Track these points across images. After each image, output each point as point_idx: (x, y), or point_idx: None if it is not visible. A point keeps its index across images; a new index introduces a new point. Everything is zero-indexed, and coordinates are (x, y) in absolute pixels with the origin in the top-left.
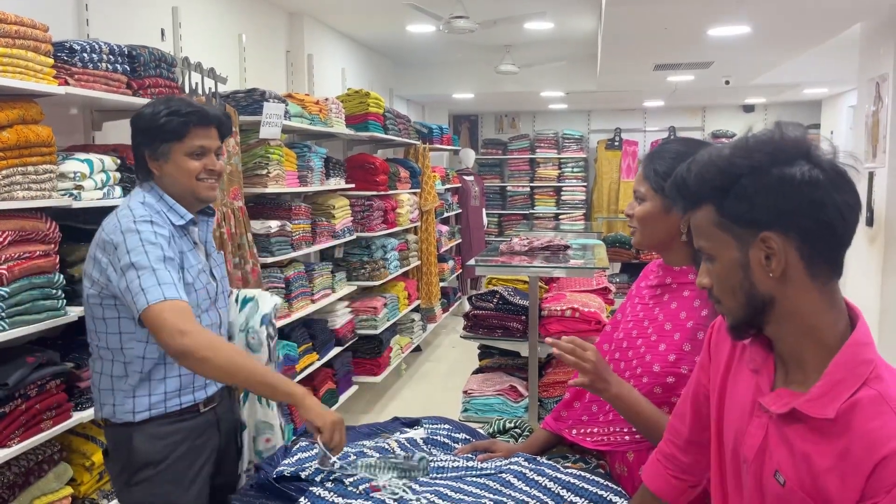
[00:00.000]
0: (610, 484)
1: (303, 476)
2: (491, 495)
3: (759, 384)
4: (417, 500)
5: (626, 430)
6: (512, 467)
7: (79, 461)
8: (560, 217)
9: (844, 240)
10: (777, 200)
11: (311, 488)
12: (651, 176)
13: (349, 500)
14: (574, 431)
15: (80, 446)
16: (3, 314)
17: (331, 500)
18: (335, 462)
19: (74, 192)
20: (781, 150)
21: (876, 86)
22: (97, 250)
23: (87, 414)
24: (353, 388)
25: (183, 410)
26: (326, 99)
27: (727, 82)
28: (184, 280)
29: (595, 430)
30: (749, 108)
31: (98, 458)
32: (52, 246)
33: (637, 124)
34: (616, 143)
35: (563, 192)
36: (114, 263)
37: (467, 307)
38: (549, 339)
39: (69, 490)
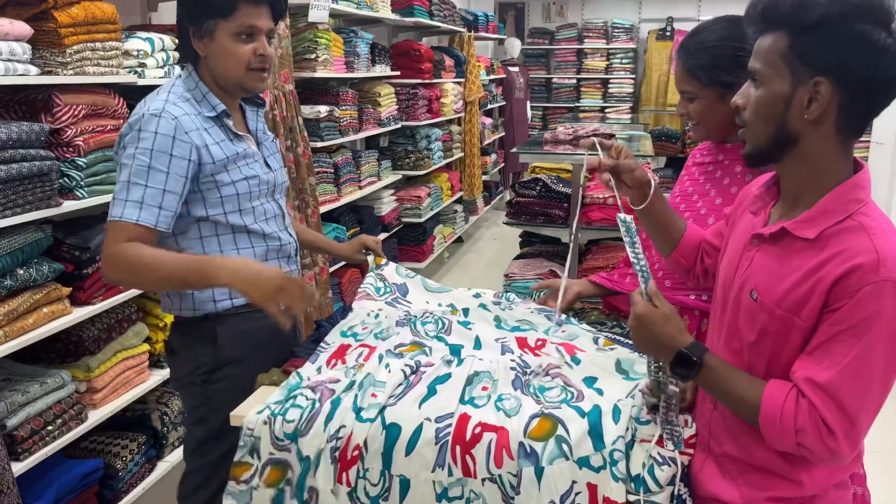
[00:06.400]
0: None
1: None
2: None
3: (755, 223)
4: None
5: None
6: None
7: (153, 322)
8: (606, 110)
9: (878, 109)
10: (846, 54)
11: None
12: (698, 72)
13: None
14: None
15: (154, 309)
16: (82, 183)
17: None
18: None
19: (138, 69)
20: (870, 9)
21: None
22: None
23: None
24: None
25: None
26: None
27: None
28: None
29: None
30: None
31: (170, 318)
32: (121, 121)
33: (691, 13)
34: (668, 34)
35: (610, 85)
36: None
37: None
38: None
39: (146, 346)
